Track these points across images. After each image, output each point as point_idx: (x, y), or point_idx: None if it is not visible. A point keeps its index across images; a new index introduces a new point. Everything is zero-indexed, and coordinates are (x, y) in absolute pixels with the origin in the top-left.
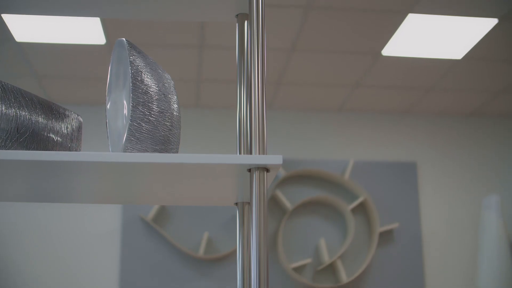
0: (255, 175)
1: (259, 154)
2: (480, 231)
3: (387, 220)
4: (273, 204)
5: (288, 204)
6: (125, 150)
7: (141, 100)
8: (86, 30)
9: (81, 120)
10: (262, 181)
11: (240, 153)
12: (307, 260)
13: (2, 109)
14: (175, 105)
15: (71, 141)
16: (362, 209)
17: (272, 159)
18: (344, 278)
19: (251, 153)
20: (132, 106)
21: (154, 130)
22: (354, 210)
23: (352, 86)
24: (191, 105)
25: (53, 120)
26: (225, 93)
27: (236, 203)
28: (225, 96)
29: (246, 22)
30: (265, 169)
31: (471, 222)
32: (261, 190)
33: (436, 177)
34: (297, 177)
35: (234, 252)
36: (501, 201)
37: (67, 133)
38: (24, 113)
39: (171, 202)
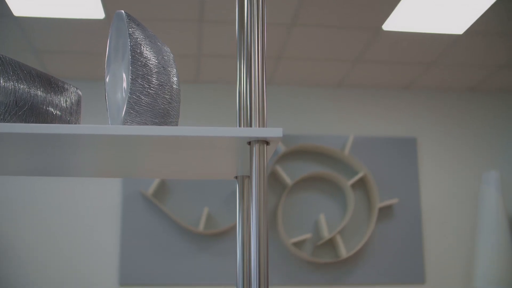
0: (255, 148)
1: (259, 127)
2: (479, 207)
3: (386, 196)
4: (273, 179)
5: (288, 180)
6: (124, 123)
7: (140, 73)
8: (85, 4)
9: (80, 93)
10: (262, 154)
11: (240, 126)
12: (307, 235)
13: (0, 82)
14: (175, 78)
15: (70, 115)
16: (361, 185)
17: (272, 131)
18: (344, 253)
19: (251, 126)
20: (131, 79)
21: (153, 103)
22: (353, 186)
23: (352, 61)
24: (191, 80)
25: (52, 93)
26: (225, 68)
27: (236, 177)
28: (225, 71)
29: None
30: (265, 142)
31: (471, 197)
32: (261, 163)
33: (436, 152)
34: (297, 153)
35: (234, 227)
36: (500, 177)
37: (66, 107)
38: (22, 86)
39: (171, 175)
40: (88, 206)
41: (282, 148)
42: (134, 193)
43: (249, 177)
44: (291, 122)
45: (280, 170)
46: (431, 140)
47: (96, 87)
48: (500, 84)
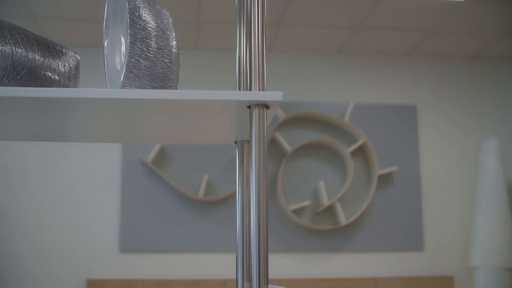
0: (255, 112)
1: (258, 91)
2: (478, 175)
3: (386, 163)
4: (273, 146)
5: (288, 147)
6: (123, 87)
7: (139, 36)
8: None
9: (79, 58)
10: (262, 118)
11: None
12: (306, 202)
13: None
14: (174, 42)
15: (69, 80)
16: (361, 152)
17: (272, 95)
18: (343, 220)
19: (250, 90)
20: (130, 42)
21: (152, 67)
22: (353, 153)
23: (352, 28)
24: (191, 47)
25: (50, 57)
26: (225, 35)
27: (236, 142)
28: (225, 38)
29: None
30: (265, 105)
31: (470, 165)
32: (261, 127)
33: (436, 120)
34: (297, 120)
35: (233, 194)
36: (500, 145)
37: (65, 71)
38: (20, 50)
39: (171, 141)
40: (87, 174)
41: (282, 115)
42: (133, 161)
43: (249, 142)
44: (291, 89)
45: (279, 137)
46: (431, 108)
47: (95, 53)
48: (502, 52)
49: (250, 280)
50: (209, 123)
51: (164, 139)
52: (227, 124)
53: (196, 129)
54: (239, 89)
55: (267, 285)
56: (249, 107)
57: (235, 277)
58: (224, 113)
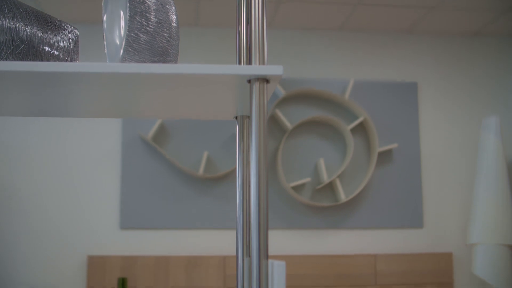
0: (255, 86)
1: (259, 65)
2: (478, 152)
3: (386, 140)
4: (273, 123)
5: (288, 124)
6: (123, 61)
7: (138, 10)
8: None
9: (78, 33)
10: (262, 92)
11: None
12: (306, 179)
13: None
14: (174, 16)
15: (68, 55)
16: (361, 129)
17: (272, 69)
18: (343, 197)
19: (251, 64)
20: (129, 16)
21: (152, 41)
22: (353, 130)
23: (354, 4)
24: (191, 23)
25: (49, 32)
26: (225, 12)
27: (236, 117)
28: (225, 14)
29: None
30: (265, 80)
31: (470, 143)
32: (261, 101)
33: (436, 97)
34: (297, 97)
35: (233, 171)
36: (500, 122)
37: (64, 46)
38: (18, 25)
39: (170, 116)
40: (88, 152)
41: (282, 92)
42: (133, 138)
43: (249, 117)
44: (291, 66)
45: (280, 114)
46: (432, 85)
47: (94, 30)
48: (503, 29)
49: (250, 255)
50: (209, 98)
51: (164, 114)
52: (227, 99)
53: (196, 104)
54: (239, 64)
55: (267, 259)
56: (249, 81)
57: (235, 253)
58: (224, 87)
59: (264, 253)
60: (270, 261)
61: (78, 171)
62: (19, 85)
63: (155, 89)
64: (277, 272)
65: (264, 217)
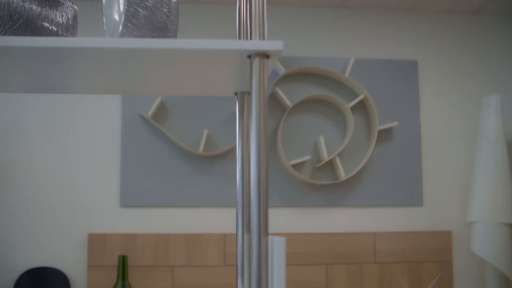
0: (255, 61)
1: (259, 40)
2: (479, 131)
3: (386, 119)
4: (273, 101)
5: (288, 102)
6: (122, 36)
7: None
8: None
9: (77, 8)
10: (262, 68)
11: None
12: (306, 157)
13: None
14: None
15: (67, 31)
16: (361, 107)
17: (273, 44)
18: (342, 175)
19: (251, 39)
20: None
21: (151, 16)
22: (353, 108)
23: None
24: (190, 0)
25: (47, 7)
26: None
27: (236, 93)
28: None
29: None
30: (265, 55)
31: (471, 121)
32: (261, 77)
33: (437, 76)
34: (297, 75)
35: (233, 149)
36: (501, 101)
37: (62, 22)
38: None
39: (170, 92)
40: (87, 129)
41: (282, 70)
42: (133, 115)
43: (249, 93)
44: (291, 43)
45: (280, 92)
46: (432, 63)
47: (93, 6)
48: (505, 6)
49: (250, 231)
50: (209, 74)
51: (164, 90)
52: (227, 75)
53: (195, 80)
54: (239, 39)
55: (267, 235)
56: (249, 57)
57: (235, 231)
58: (224, 63)
59: (264, 229)
60: (270, 237)
61: (77, 149)
62: (17, 61)
63: (154, 65)
64: (277, 248)
65: (264, 192)
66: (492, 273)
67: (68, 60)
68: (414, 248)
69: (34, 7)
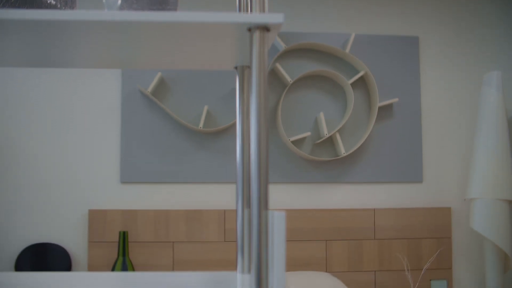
0: (255, 34)
1: (259, 13)
2: (479, 107)
3: (387, 95)
4: (273, 77)
5: (288, 78)
6: (121, 9)
7: None
8: None
9: None
10: (262, 41)
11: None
12: (306, 134)
13: None
14: None
15: (65, 4)
16: (362, 83)
17: (273, 17)
18: (343, 151)
19: (251, 12)
20: None
21: None
22: (354, 84)
23: None
24: None
25: None
26: None
27: (236, 67)
28: None
29: None
30: (266, 28)
31: (472, 97)
32: (261, 50)
33: (438, 52)
34: (297, 51)
35: (233, 126)
36: (502, 77)
37: None
38: None
39: (170, 66)
40: (87, 105)
41: (282, 45)
42: (133, 91)
43: (249, 66)
44: (292, 19)
45: (280, 68)
46: (433, 40)
47: None
48: None
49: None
50: (209, 47)
51: (163, 64)
52: (227, 48)
53: (195, 54)
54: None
55: (267, 209)
56: (249, 30)
57: (235, 207)
58: (224, 36)
59: (264, 204)
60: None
61: (77, 125)
62: (16, 35)
63: (154, 38)
64: (277, 222)
65: (265, 166)
66: (491, 250)
67: (67, 33)
68: (413, 224)
69: None
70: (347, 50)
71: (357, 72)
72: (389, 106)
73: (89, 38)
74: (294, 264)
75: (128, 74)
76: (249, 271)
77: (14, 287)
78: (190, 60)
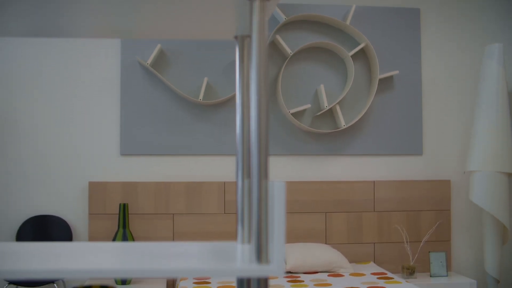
0: (256, 3)
1: None
2: (480, 80)
3: (387, 67)
4: (273, 49)
5: (288, 50)
6: None
7: None
8: None
9: None
10: (263, 9)
11: None
12: (306, 106)
13: None
14: None
15: None
16: (362, 55)
17: None
18: (343, 123)
19: None
20: None
21: None
22: (354, 56)
23: None
24: None
25: None
26: None
27: (236, 37)
28: None
29: None
30: None
31: (472, 70)
32: (261, 19)
33: (439, 24)
34: (298, 22)
35: (233, 98)
36: (504, 50)
37: None
38: None
39: (169, 35)
40: (87, 78)
41: (282, 17)
42: (132, 64)
43: (249, 36)
44: None
45: (280, 40)
46: (434, 11)
47: None
48: None
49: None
50: (209, 16)
51: (163, 34)
52: (227, 17)
53: (195, 23)
54: None
55: (267, 178)
56: None
57: (235, 179)
58: (224, 5)
59: (264, 173)
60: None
61: (77, 98)
62: (15, 4)
63: (152, 6)
64: (277, 192)
65: (264, 134)
66: (490, 222)
67: (66, 1)
68: (413, 197)
69: None
70: (348, 22)
71: (358, 44)
72: (390, 79)
73: (88, 6)
74: (294, 236)
75: (127, 46)
76: (249, 241)
77: (16, 256)
78: (189, 30)
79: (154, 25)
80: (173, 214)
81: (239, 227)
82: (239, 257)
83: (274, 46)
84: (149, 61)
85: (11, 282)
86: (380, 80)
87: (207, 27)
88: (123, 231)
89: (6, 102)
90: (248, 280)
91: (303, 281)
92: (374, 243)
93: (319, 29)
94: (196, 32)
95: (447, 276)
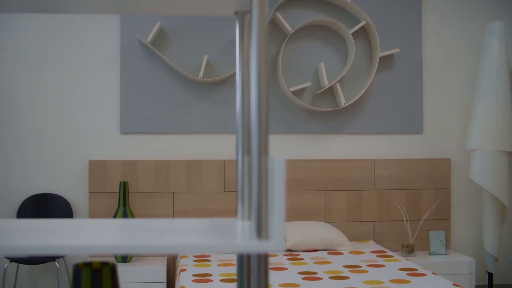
0: None
1: None
2: (481, 59)
3: (388, 45)
4: (273, 27)
5: (288, 27)
6: None
7: None
8: None
9: None
10: None
11: None
12: (307, 84)
13: None
14: None
15: None
16: (363, 33)
17: None
18: (343, 102)
19: None
20: None
21: None
22: (355, 34)
23: None
24: None
25: None
26: None
27: (236, 13)
28: None
29: None
30: None
31: (473, 48)
32: None
33: (440, 2)
34: (298, 0)
35: (233, 76)
36: (505, 28)
37: None
38: None
39: (169, 11)
40: (86, 56)
41: None
42: (132, 42)
43: (249, 11)
44: None
45: (280, 17)
46: None
47: None
48: None
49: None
50: None
51: (161, 9)
52: None
53: None
54: None
55: (267, 154)
56: None
57: (235, 157)
58: None
59: (264, 149)
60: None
61: (77, 75)
62: None
63: None
64: (277, 167)
65: (265, 110)
66: (489, 201)
67: None
68: (413, 175)
69: None
70: (349, 0)
71: (358, 22)
72: (390, 57)
73: None
74: (294, 214)
75: (127, 24)
76: (249, 218)
77: (16, 232)
78: (189, 5)
79: (153, 0)
80: (173, 192)
81: (239, 204)
82: (239, 233)
83: (274, 24)
84: (149, 39)
85: (12, 260)
86: (381, 58)
87: (207, 2)
88: (123, 209)
89: (4, 80)
90: (249, 257)
91: (302, 259)
92: (374, 221)
93: (320, 6)
94: (195, 8)
95: (446, 254)
